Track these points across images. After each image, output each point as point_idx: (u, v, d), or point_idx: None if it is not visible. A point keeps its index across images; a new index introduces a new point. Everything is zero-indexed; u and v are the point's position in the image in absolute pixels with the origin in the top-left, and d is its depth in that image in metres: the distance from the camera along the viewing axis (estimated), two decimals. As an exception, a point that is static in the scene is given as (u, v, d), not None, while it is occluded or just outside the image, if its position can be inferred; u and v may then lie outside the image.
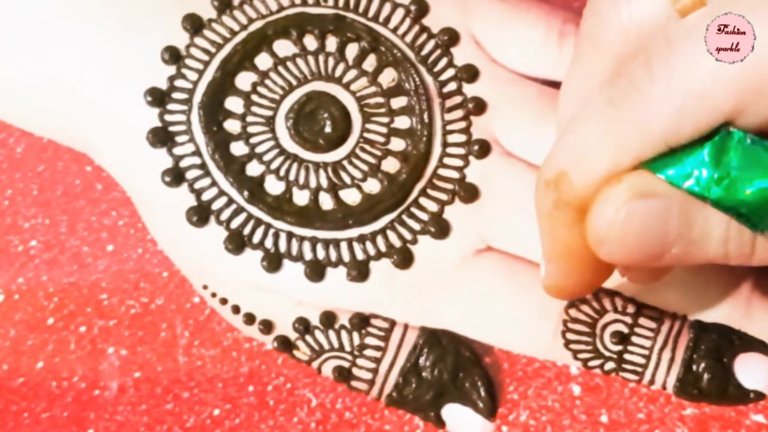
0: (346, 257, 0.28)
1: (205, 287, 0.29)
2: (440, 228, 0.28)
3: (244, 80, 0.29)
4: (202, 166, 0.28)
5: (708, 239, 0.21)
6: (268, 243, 0.28)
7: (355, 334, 0.28)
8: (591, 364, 0.28)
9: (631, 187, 0.20)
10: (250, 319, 0.28)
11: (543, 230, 0.23)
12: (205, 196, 0.28)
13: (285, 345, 0.28)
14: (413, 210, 0.28)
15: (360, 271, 0.28)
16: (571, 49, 0.29)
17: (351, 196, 0.28)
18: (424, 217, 0.28)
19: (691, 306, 0.28)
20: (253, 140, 0.29)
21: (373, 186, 0.28)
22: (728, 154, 0.20)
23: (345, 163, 0.29)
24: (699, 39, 0.20)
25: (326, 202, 0.28)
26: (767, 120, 0.20)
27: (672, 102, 0.20)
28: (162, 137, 0.28)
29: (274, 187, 0.28)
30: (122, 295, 0.30)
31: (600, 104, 0.21)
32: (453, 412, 0.28)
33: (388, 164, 0.29)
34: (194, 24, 0.29)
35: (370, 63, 0.29)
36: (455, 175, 0.29)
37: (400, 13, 0.30)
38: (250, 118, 0.29)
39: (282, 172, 0.28)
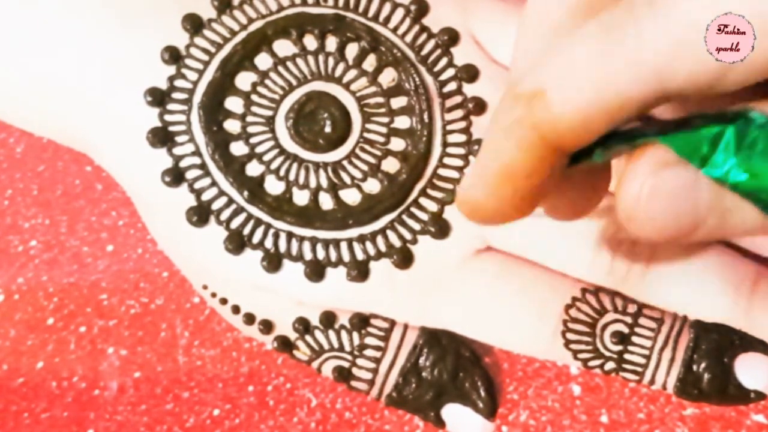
0: (346, 257, 0.28)
1: (205, 287, 0.29)
2: (440, 228, 0.28)
3: (244, 80, 0.29)
4: (202, 166, 0.28)
5: (743, 208, 0.20)
6: (268, 243, 0.28)
7: (355, 334, 0.28)
8: (591, 364, 0.28)
9: (654, 157, 0.19)
10: (250, 319, 0.29)
11: (490, 143, 0.21)
12: (205, 196, 0.28)
13: (285, 345, 0.29)
14: (413, 210, 0.28)
15: (360, 271, 0.28)
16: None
17: (351, 196, 0.28)
18: (424, 217, 0.28)
19: (691, 306, 0.28)
20: (253, 140, 0.29)
21: (373, 186, 0.28)
22: (748, 138, 0.19)
23: (345, 163, 0.29)
24: None
25: (326, 202, 0.28)
26: None
27: (669, 39, 0.18)
28: (162, 137, 0.28)
29: (274, 187, 0.28)
30: (122, 295, 0.30)
31: (593, 30, 0.19)
32: (453, 412, 0.28)
33: (388, 164, 0.29)
34: (194, 24, 0.29)
35: (370, 63, 0.29)
36: (455, 175, 0.29)
37: (400, 13, 0.30)
38: (250, 118, 0.29)
39: (282, 172, 0.28)
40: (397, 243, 0.28)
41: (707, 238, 0.20)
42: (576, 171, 0.22)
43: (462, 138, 0.29)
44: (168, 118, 0.28)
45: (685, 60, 0.19)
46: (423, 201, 0.28)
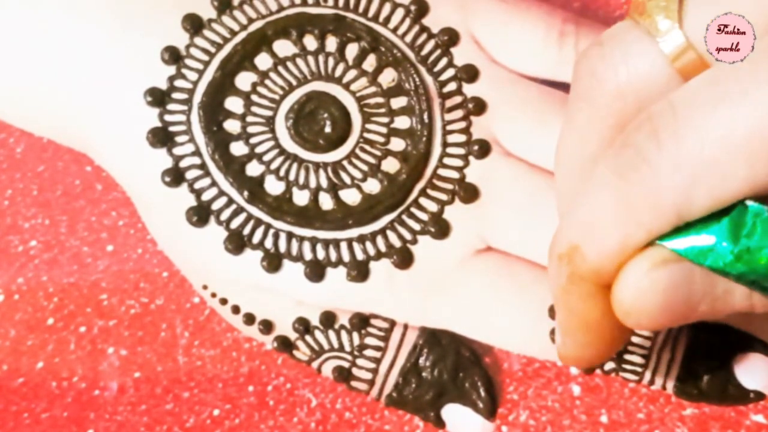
0: (346, 257, 0.28)
1: (205, 287, 0.29)
2: (440, 228, 0.28)
3: (244, 80, 0.29)
4: (202, 166, 0.28)
5: (733, 293, 0.21)
6: (268, 243, 0.28)
7: (355, 334, 0.28)
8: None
9: (651, 257, 0.20)
10: (250, 319, 0.29)
11: (558, 304, 0.22)
12: (205, 196, 0.28)
13: (285, 345, 0.29)
14: (413, 210, 0.28)
15: (360, 271, 0.28)
16: (571, 49, 0.29)
17: (351, 196, 0.28)
18: (424, 217, 0.28)
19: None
20: (253, 140, 0.29)
21: (373, 186, 0.28)
22: (745, 228, 0.19)
23: (345, 163, 0.29)
24: (705, 106, 0.19)
25: (326, 202, 0.28)
26: None
27: (682, 173, 0.19)
28: (162, 137, 0.28)
29: (274, 187, 0.28)
30: (122, 295, 0.30)
31: (607, 176, 0.20)
32: (453, 412, 0.28)
33: (388, 164, 0.29)
34: (194, 24, 0.29)
35: (370, 63, 0.29)
36: (455, 175, 0.29)
37: (400, 13, 0.30)
38: (250, 118, 0.29)
39: (282, 172, 0.28)
40: (397, 243, 0.28)
41: (698, 319, 0.21)
42: None
43: (462, 138, 0.29)
44: (168, 118, 0.28)
45: (701, 194, 0.19)
46: (423, 201, 0.28)
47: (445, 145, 0.29)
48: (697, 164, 0.19)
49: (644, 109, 0.21)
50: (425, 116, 0.29)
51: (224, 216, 0.28)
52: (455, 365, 0.28)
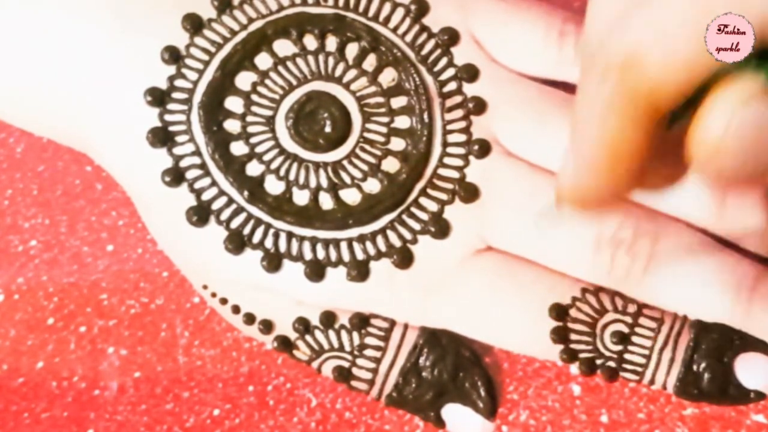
0: (346, 257, 0.28)
1: (205, 287, 0.29)
2: (440, 228, 0.28)
3: (244, 80, 0.29)
4: (202, 166, 0.28)
5: None
6: (268, 243, 0.28)
7: (355, 334, 0.28)
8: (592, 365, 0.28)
9: (745, 87, 0.18)
10: (250, 319, 0.28)
11: (586, 128, 0.19)
12: (205, 196, 0.28)
13: (285, 345, 0.28)
14: (413, 210, 0.28)
15: (360, 271, 0.28)
16: (571, 49, 0.29)
17: (351, 196, 0.28)
18: (424, 216, 0.28)
19: (691, 306, 0.28)
20: (253, 140, 0.29)
21: (373, 186, 0.28)
22: None
23: (345, 162, 0.29)
24: None
25: (326, 202, 0.28)
26: None
27: None
28: (162, 137, 0.28)
29: (274, 187, 0.28)
30: (122, 295, 0.30)
31: None
32: (453, 412, 0.28)
33: (388, 164, 0.29)
34: (194, 24, 0.29)
35: (370, 63, 0.29)
36: (455, 174, 0.29)
37: (400, 12, 0.30)
38: (250, 118, 0.29)
39: (282, 172, 0.28)
40: (397, 243, 0.28)
41: None
42: (672, 132, 0.20)
43: (462, 138, 0.29)
44: (168, 118, 0.28)
45: None
46: (423, 201, 0.28)
47: (445, 144, 0.29)
48: None
49: None
50: (425, 116, 0.29)
51: (224, 216, 0.28)
52: (455, 365, 0.28)
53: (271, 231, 0.28)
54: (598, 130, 0.19)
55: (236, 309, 0.29)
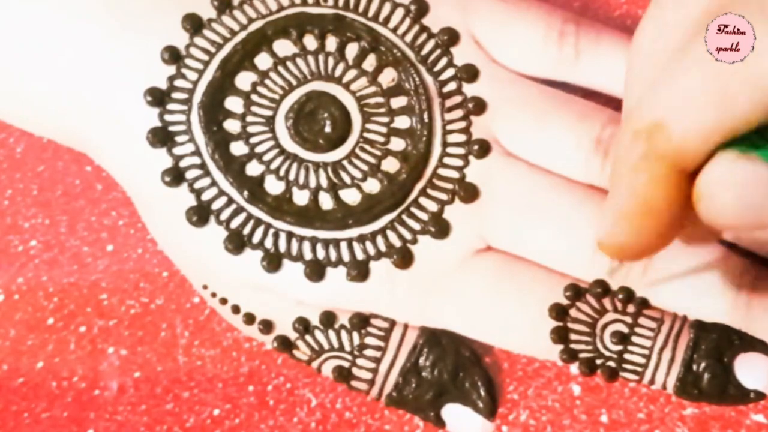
0: (346, 257, 0.28)
1: (205, 287, 0.29)
2: (440, 228, 0.28)
3: (244, 80, 0.29)
4: (202, 166, 0.28)
5: None
6: (268, 243, 0.28)
7: (355, 334, 0.28)
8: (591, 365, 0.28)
9: (745, 150, 0.19)
10: (250, 319, 0.29)
11: (621, 183, 0.21)
12: (205, 196, 0.28)
13: (285, 345, 0.28)
14: (413, 210, 0.28)
15: (360, 271, 0.28)
16: (571, 49, 0.29)
17: (351, 196, 0.28)
18: (424, 216, 0.28)
19: (691, 306, 0.28)
20: (253, 140, 0.29)
21: (373, 186, 0.28)
22: None
23: (345, 163, 0.29)
24: None
25: (326, 202, 0.28)
26: None
27: None
28: (162, 137, 0.28)
29: (274, 187, 0.28)
30: (122, 295, 0.30)
31: (704, 55, 0.19)
32: (453, 412, 0.28)
33: (388, 164, 0.29)
34: (194, 24, 0.29)
35: (370, 63, 0.29)
36: (455, 174, 0.29)
37: (399, 12, 0.30)
38: (250, 118, 0.29)
39: (282, 172, 0.28)
40: (397, 243, 0.28)
41: None
42: None
43: (462, 138, 0.29)
44: (168, 118, 0.28)
45: None
46: (423, 201, 0.28)
47: (445, 144, 0.29)
48: None
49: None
50: (425, 116, 0.29)
51: (224, 216, 0.28)
52: (455, 365, 0.28)
53: (271, 231, 0.28)
54: (630, 187, 0.21)
55: (236, 309, 0.29)
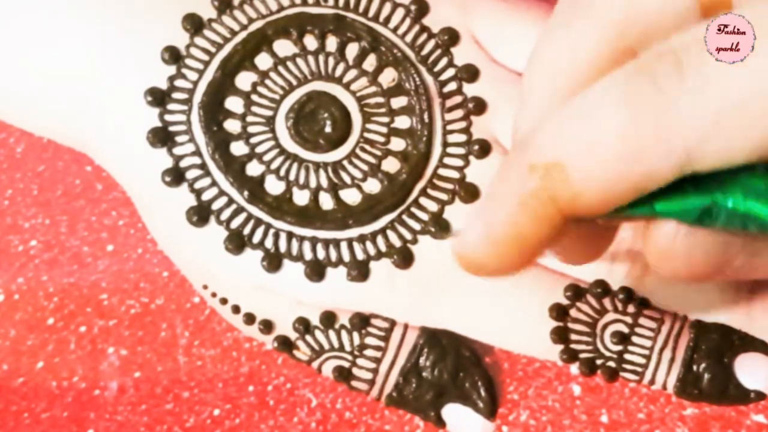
0: (346, 257, 0.28)
1: (205, 287, 0.29)
2: (440, 228, 0.28)
3: (244, 80, 0.29)
4: (202, 166, 0.28)
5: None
6: (268, 243, 0.28)
7: (355, 334, 0.28)
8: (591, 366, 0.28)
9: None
10: (250, 319, 0.28)
11: (500, 208, 0.20)
12: (205, 196, 0.28)
13: (285, 345, 0.28)
14: (413, 210, 0.28)
15: (360, 271, 0.28)
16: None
17: (351, 196, 0.28)
18: (425, 216, 0.28)
19: (691, 306, 0.28)
20: (253, 140, 0.29)
21: (373, 186, 0.28)
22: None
23: (345, 163, 0.29)
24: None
25: (326, 202, 0.28)
26: None
27: (703, 119, 0.18)
28: (162, 137, 0.28)
29: (274, 187, 0.28)
30: (122, 295, 0.30)
31: (616, 99, 0.19)
32: (453, 412, 0.28)
33: (388, 164, 0.29)
34: (194, 24, 0.29)
35: (370, 63, 0.29)
36: (455, 174, 0.29)
37: (400, 12, 0.30)
38: (250, 118, 0.29)
39: (282, 172, 0.28)
40: (397, 243, 0.28)
41: (735, 276, 0.21)
42: (584, 224, 0.22)
43: (462, 138, 0.29)
44: (168, 118, 0.28)
45: (718, 141, 0.18)
46: (423, 201, 0.28)
47: (445, 144, 0.29)
48: (722, 112, 0.18)
49: (659, 38, 0.19)
50: (425, 116, 0.29)
51: (224, 216, 0.28)
52: (455, 365, 0.28)
53: (271, 231, 0.28)
54: (509, 218, 0.20)
55: (236, 309, 0.29)
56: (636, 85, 0.19)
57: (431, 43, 0.30)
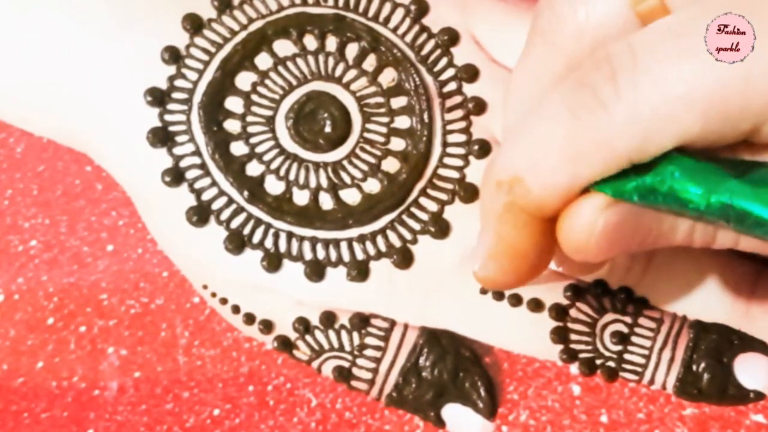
0: (346, 257, 0.28)
1: (205, 287, 0.29)
2: (440, 228, 0.28)
3: (244, 80, 0.29)
4: (202, 166, 0.28)
5: (676, 230, 0.22)
6: (268, 243, 0.28)
7: (355, 334, 0.28)
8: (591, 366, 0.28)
9: (596, 199, 0.21)
10: (250, 319, 0.29)
11: (487, 228, 0.23)
12: (205, 196, 0.28)
13: (285, 345, 0.29)
14: (413, 210, 0.28)
15: (360, 271, 0.28)
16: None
17: (351, 196, 0.28)
18: (424, 217, 0.28)
19: (691, 306, 0.28)
20: (253, 140, 0.29)
21: (373, 186, 0.28)
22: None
23: (345, 163, 0.29)
24: (667, 59, 0.20)
25: (326, 202, 0.28)
26: (730, 141, 0.20)
27: (638, 124, 0.20)
28: (162, 137, 0.28)
29: (274, 187, 0.28)
30: (122, 295, 0.30)
31: (559, 111, 0.21)
32: (453, 412, 0.28)
33: (388, 164, 0.29)
34: (194, 24, 0.29)
35: (370, 63, 0.29)
36: (455, 175, 0.29)
37: (400, 12, 0.30)
38: (250, 118, 0.29)
39: (282, 172, 0.28)
40: (397, 243, 0.28)
41: (638, 252, 0.22)
42: None
43: (462, 138, 0.29)
44: (168, 118, 0.28)
45: (653, 143, 0.20)
46: (423, 201, 0.28)
47: (445, 144, 0.29)
48: (654, 115, 0.20)
49: (600, 48, 0.21)
50: (425, 116, 0.29)
51: (224, 216, 0.28)
52: (455, 365, 0.28)
53: (271, 231, 0.28)
54: (496, 234, 0.22)
55: (236, 309, 0.29)
56: (578, 96, 0.21)
57: (431, 43, 0.30)
